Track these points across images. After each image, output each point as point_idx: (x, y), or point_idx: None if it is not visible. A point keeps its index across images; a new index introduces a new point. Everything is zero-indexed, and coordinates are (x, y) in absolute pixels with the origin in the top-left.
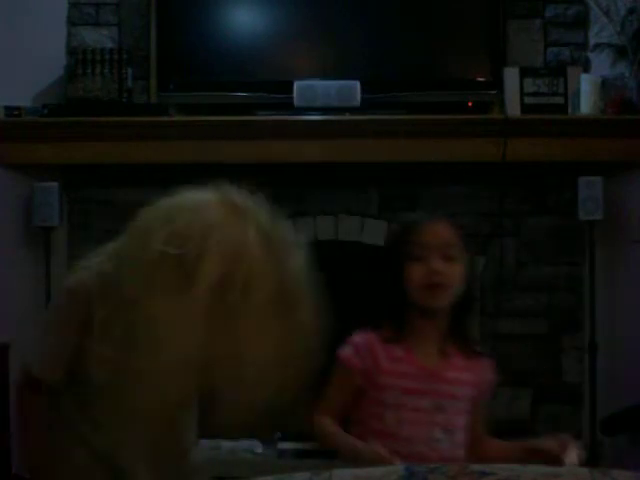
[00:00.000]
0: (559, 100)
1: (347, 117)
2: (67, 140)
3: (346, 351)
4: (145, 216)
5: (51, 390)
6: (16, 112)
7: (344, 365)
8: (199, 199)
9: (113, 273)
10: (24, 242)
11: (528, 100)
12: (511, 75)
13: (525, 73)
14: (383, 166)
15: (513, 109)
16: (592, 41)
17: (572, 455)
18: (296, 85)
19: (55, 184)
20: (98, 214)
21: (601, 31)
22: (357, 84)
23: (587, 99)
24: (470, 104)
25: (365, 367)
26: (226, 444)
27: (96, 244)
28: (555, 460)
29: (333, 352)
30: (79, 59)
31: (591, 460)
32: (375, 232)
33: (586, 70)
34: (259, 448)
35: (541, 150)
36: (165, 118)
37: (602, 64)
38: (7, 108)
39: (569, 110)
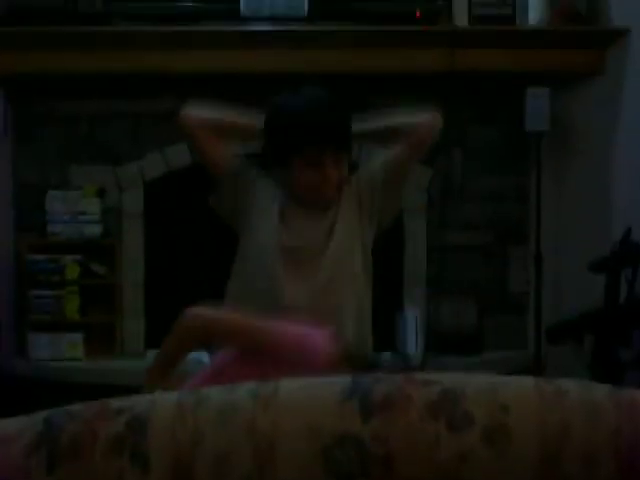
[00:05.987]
0: (507, 11)
1: (295, 27)
2: (10, 50)
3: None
4: None
5: None
6: None
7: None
8: None
9: None
10: None
11: (476, 11)
12: None
13: None
14: (330, 78)
15: (461, 20)
16: None
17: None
18: None
19: None
20: (42, 126)
21: None
22: None
23: (535, 10)
24: (418, 14)
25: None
26: None
27: (41, 155)
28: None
29: None
30: None
31: (536, 370)
32: None
33: None
34: (205, 358)
35: (489, 61)
36: (109, 28)
37: None
38: None
39: (517, 21)
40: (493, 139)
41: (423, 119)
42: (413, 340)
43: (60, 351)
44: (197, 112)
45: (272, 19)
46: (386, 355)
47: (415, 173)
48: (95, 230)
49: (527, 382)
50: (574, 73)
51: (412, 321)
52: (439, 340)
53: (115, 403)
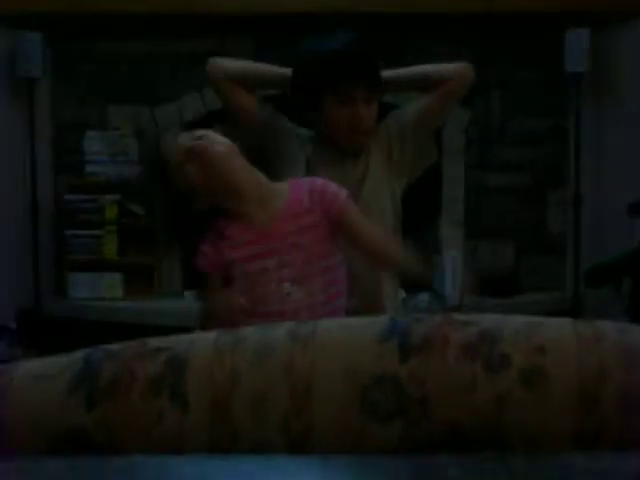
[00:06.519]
0: None
1: None
2: None
3: (197, 260)
4: None
5: None
6: None
7: (202, 273)
8: None
9: None
10: (7, 93)
11: None
12: None
13: None
14: (367, 17)
15: None
16: None
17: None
18: None
19: (38, 35)
20: (82, 66)
21: None
22: None
23: None
24: None
25: (215, 262)
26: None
27: (80, 96)
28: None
29: None
30: None
31: (574, 312)
32: None
33: None
34: None
35: (527, 2)
36: None
37: None
38: None
39: None
40: (532, 80)
41: (454, 69)
42: (451, 281)
43: (99, 291)
44: (224, 63)
45: None
46: (424, 295)
47: (454, 114)
48: (133, 171)
49: (564, 324)
50: (615, 13)
51: (450, 262)
52: (478, 281)
53: (153, 343)
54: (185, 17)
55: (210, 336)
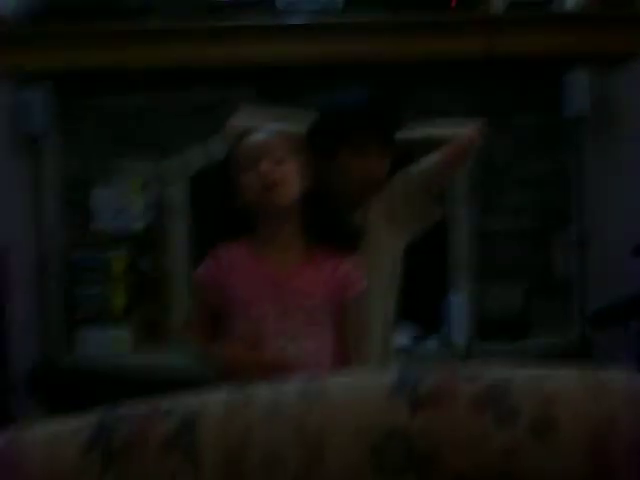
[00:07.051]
0: None
1: (330, 19)
2: (54, 47)
3: (199, 269)
4: None
5: None
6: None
7: (198, 283)
8: None
9: None
10: (13, 150)
11: None
12: None
13: None
14: (369, 68)
15: (497, 6)
16: None
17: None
18: None
19: (42, 90)
20: (87, 120)
21: None
22: None
23: None
24: (454, 2)
25: (216, 282)
26: None
27: (85, 151)
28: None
29: None
30: None
31: (583, 355)
32: None
33: None
34: None
35: (527, 46)
36: (150, 23)
37: None
38: None
39: (554, 5)
40: (533, 124)
41: (463, 133)
42: (458, 326)
43: (108, 345)
44: (239, 120)
45: (307, 12)
46: (432, 341)
47: None
48: (140, 224)
49: (572, 374)
50: (613, 56)
51: (458, 307)
52: (485, 326)
53: (165, 403)
54: (185, 69)
55: (220, 395)
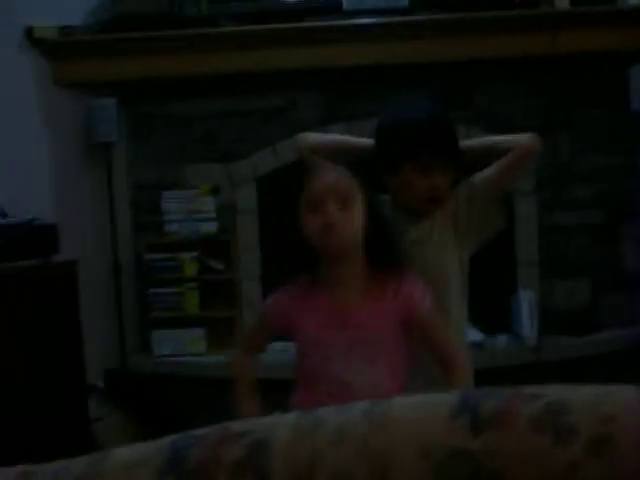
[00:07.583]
0: None
1: (396, 19)
2: (121, 56)
3: (267, 301)
4: None
5: None
6: (68, 31)
7: (264, 311)
8: None
9: None
10: (85, 159)
11: None
12: None
13: None
14: (435, 67)
15: (561, 2)
16: None
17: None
18: None
19: (113, 100)
20: (157, 127)
21: None
22: None
23: None
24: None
25: (284, 312)
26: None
27: (156, 156)
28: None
29: None
30: None
31: None
32: None
33: None
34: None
35: (591, 42)
36: (216, 29)
37: None
38: (60, 28)
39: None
40: (599, 119)
41: (524, 140)
42: (528, 321)
43: (182, 347)
44: (310, 138)
45: (374, 12)
46: (502, 337)
47: None
48: (211, 227)
49: (632, 391)
50: None
51: (526, 303)
52: (553, 321)
53: (237, 426)
54: (253, 74)
55: (290, 418)
